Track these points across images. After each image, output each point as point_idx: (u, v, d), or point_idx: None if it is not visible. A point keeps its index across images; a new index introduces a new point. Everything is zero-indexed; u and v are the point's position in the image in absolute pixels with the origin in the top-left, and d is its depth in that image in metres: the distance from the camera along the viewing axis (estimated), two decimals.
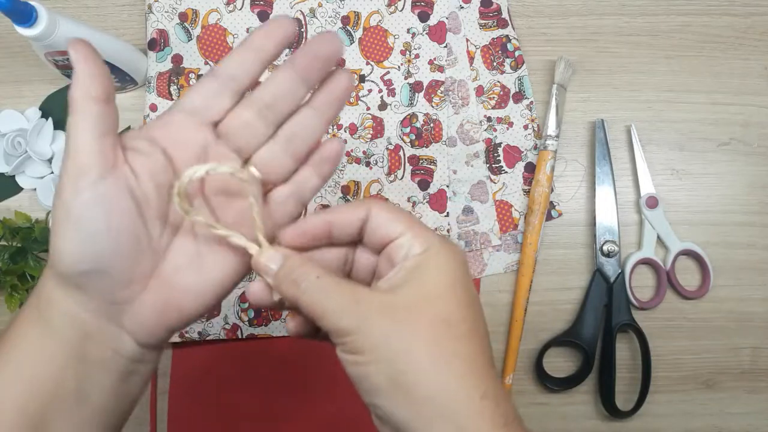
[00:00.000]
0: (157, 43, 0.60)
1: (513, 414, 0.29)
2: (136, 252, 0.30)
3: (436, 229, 0.59)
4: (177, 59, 0.60)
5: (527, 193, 0.60)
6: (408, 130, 0.60)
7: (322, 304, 0.29)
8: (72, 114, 0.29)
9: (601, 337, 0.58)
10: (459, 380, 0.28)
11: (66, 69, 0.54)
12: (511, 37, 0.61)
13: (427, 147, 0.60)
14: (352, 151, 0.60)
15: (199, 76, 0.59)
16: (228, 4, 0.60)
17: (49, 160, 0.58)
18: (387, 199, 0.33)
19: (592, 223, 0.60)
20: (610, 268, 0.58)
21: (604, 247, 0.59)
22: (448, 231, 0.59)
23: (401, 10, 0.61)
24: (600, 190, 0.59)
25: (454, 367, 0.28)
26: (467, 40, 0.61)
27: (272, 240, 0.32)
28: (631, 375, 0.59)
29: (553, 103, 0.59)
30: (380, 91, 0.60)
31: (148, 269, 0.31)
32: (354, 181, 0.59)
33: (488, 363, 0.30)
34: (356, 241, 0.33)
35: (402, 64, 0.60)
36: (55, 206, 0.29)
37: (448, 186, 0.59)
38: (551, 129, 0.58)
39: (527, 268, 0.58)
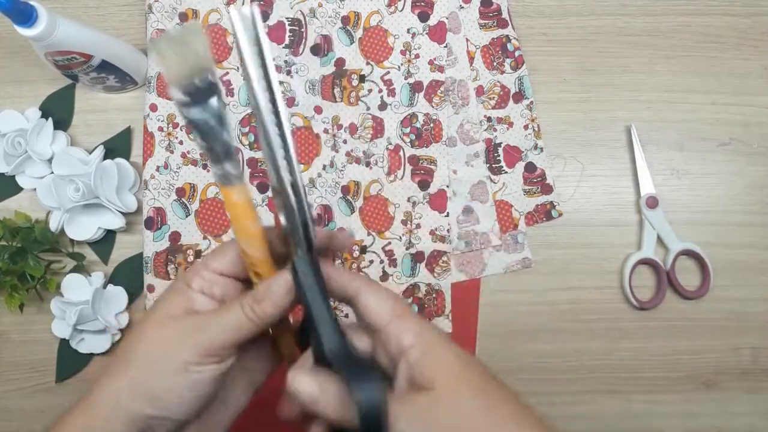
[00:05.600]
0: None
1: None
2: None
3: (435, 229, 0.59)
4: None
5: (527, 193, 0.60)
6: (408, 130, 0.60)
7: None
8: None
9: None
10: None
11: (66, 69, 0.54)
12: (511, 37, 0.61)
13: (427, 147, 0.60)
14: (352, 151, 0.60)
15: None
16: (228, 4, 0.60)
17: (49, 160, 0.58)
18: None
19: (593, 223, 0.60)
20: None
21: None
22: (448, 231, 0.59)
23: (401, 10, 0.61)
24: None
25: None
26: (467, 40, 0.61)
27: None
28: None
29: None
30: (380, 91, 0.60)
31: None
32: (354, 181, 0.59)
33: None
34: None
35: (402, 64, 0.60)
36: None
37: (448, 186, 0.59)
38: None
39: None
